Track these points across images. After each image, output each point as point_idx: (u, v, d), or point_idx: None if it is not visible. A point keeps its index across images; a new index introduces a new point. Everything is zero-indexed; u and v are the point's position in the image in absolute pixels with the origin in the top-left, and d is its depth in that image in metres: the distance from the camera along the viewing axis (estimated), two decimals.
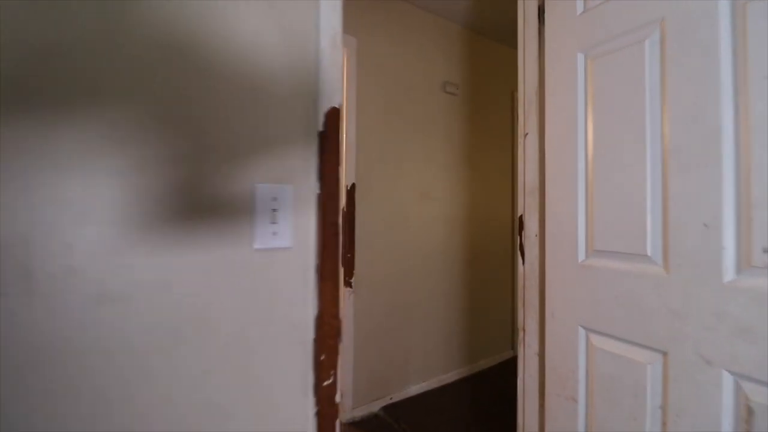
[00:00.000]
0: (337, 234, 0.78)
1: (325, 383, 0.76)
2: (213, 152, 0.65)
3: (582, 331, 1.12)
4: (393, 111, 2.28)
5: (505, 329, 2.91)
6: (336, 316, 0.78)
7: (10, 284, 0.50)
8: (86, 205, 0.55)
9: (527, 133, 1.38)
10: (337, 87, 0.77)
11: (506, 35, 2.70)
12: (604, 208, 1.03)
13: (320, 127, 0.75)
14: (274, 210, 0.71)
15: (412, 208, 2.38)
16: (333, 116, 0.76)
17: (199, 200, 0.64)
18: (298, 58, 0.73)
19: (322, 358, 0.76)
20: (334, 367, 0.77)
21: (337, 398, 0.77)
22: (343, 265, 2.19)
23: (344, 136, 2.12)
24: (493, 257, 2.80)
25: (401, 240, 2.34)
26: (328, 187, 0.76)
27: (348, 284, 2.17)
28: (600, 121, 1.04)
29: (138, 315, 0.59)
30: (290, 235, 0.73)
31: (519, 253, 1.39)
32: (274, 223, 0.70)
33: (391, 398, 2.31)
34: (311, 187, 0.75)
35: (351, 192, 2.14)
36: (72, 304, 0.54)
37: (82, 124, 0.54)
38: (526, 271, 1.35)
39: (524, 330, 1.40)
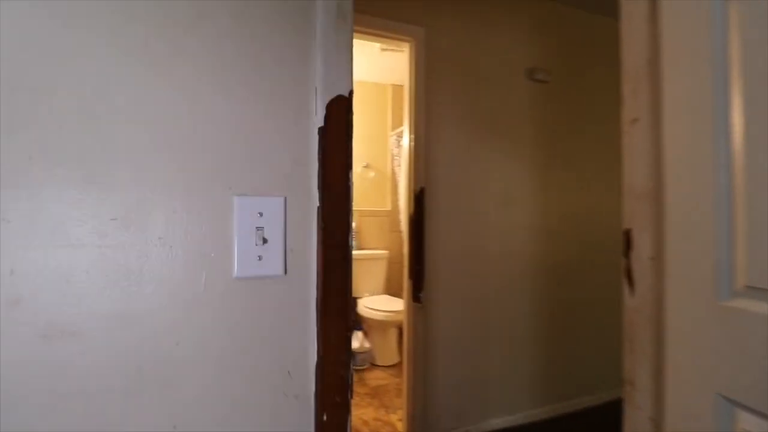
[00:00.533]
0: (345, 258, 0.60)
1: None
2: (172, 153, 0.53)
3: (723, 403, 0.76)
4: (468, 106, 2.03)
5: (616, 362, 2.39)
6: (344, 365, 0.60)
7: None
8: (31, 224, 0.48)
9: (635, 119, 1.03)
10: (345, 70, 0.60)
11: (610, 4, 2.23)
12: (763, 226, 0.67)
13: (320, 122, 0.59)
14: (260, 228, 0.56)
15: (492, 214, 2.08)
16: (338, 107, 0.59)
17: (157, 216, 0.53)
18: (291, 31, 0.58)
19: (325, 418, 0.59)
20: (343, 430, 0.60)
21: None
22: (411, 278, 2.00)
23: (411, 135, 1.94)
24: (598, 274, 2.32)
25: (479, 251, 2.06)
26: (332, 198, 0.59)
27: (417, 299, 1.98)
28: (753, 94, 0.69)
29: (91, 354, 0.50)
30: (281, 261, 0.58)
31: (625, 280, 1.04)
32: (260, 245, 0.56)
33: (467, 430, 2.04)
34: (310, 198, 0.59)
35: (419, 197, 1.94)
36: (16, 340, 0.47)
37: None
38: (636, 305, 1.00)
39: (632, 384, 1.04)
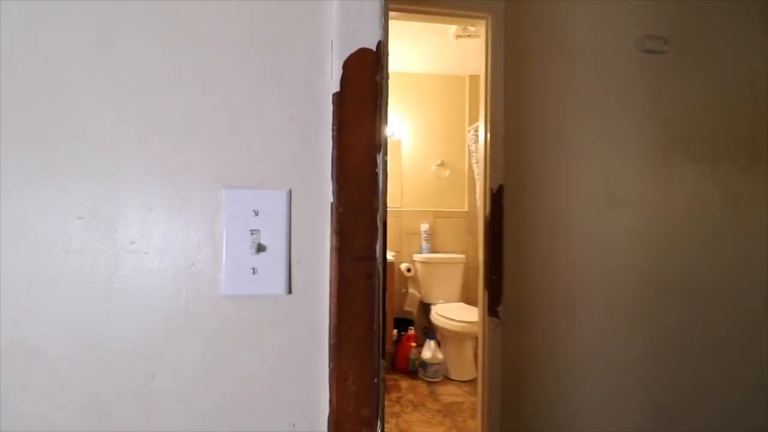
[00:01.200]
0: (369, 275, 0.43)
1: None
2: (147, 134, 0.42)
3: None
4: (559, 87, 1.71)
5: (760, 404, 1.83)
6: (367, 423, 0.43)
7: None
8: None
9: None
10: (371, 14, 0.43)
11: None
12: None
13: (335, 86, 0.43)
14: (255, 232, 0.42)
15: (590, 218, 1.73)
16: (360, 65, 0.43)
17: (130, 214, 0.41)
18: None
19: None
20: None
21: None
22: (486, 289, 1.75)
23: (487, 125, 1.69)
24: (742, 297, 1.80)
25: (573, 262, 1.72)
26: (351, 191, 0.43)
27: (494, 313, 1.72)
28: None
29: (53, 385, 0.40)
30: (283, 276, 0.43)
31: None
32: (254, 253, 0.42)
33: None
34: (323, 192, 0.44)
35: (497, 197, 1.69)
36: None
37: None
38: None
39: None
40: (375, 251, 0.44)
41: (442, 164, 3.33)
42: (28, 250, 0.40)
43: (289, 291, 0.43)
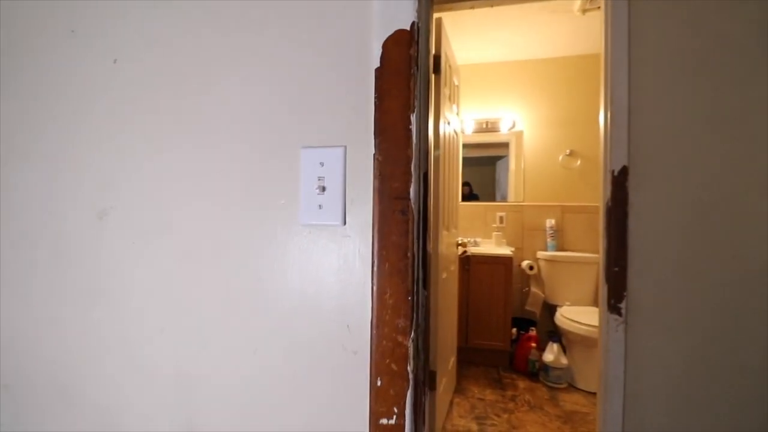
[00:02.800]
0: (404, 212, 0.53)
1: (383, 422, 0.54)
2: (252, 112, 0.61)
3: None
4: (713, 42, 1.44)
5: None
6: (402, 331, 0.53)
7: None
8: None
9: None
10: (405, 3, 0.53)
11: None
12: None
13: (376, 61, 0.54)
14: (321, 178, 0.57)
15: (752, 201, 1.41)
16: (396, 43, 0.53)
17: (245, 169, 0.61)
18: None
19: (379, 383, 0.54)
20: (399, 402, 0.53)
21: None
22: (607, 282, 1.58)
23: (608, 99, 1.53)
24: None
25: (729, 254, 1.43)
26: (388, 144, 0.54)
27: (615, 309, 1.54)
28: None
29: (203, 278, 0.63)
30: (340, 210, 0.57)
31: None
32: (320, 194, 0.57)
33: None
34: (369, 147, 0.56)
35: (619, 179, 1.52)
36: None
37: None
38: None
39: None
40: (409, 192, 0.54)
41: (571, 154, 3.06)
42: (199, 194, 0.64)
43: (344, 223, 0.57)
